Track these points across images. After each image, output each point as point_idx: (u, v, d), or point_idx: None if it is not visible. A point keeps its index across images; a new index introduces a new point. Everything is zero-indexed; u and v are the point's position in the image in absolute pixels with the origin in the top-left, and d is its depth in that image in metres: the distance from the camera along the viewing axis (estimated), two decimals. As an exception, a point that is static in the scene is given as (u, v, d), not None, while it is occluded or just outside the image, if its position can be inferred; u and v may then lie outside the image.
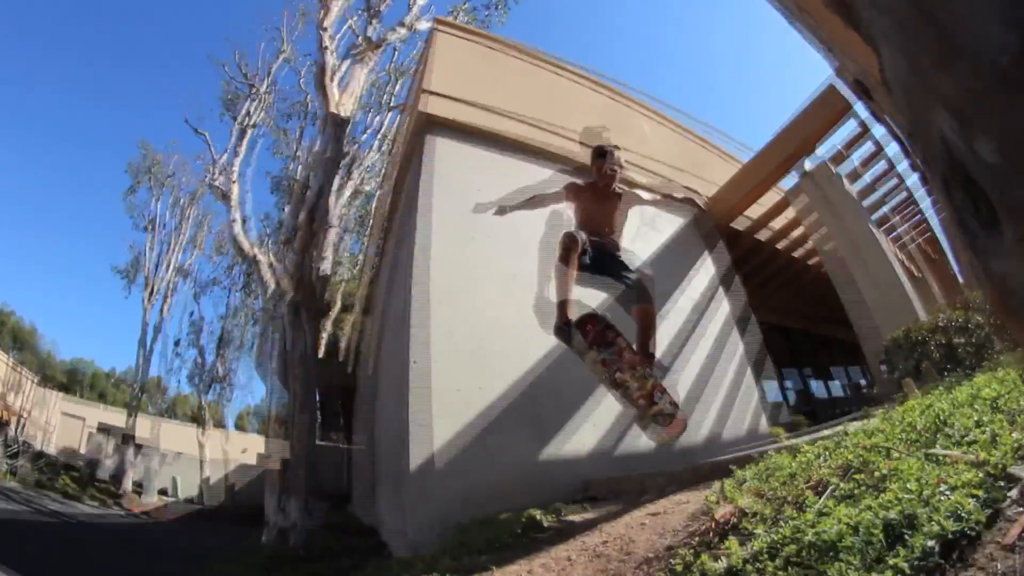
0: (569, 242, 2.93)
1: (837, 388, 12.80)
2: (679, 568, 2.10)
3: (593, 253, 3.04)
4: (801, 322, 10.92)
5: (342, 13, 11.21)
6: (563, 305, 2.91)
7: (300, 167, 15.96)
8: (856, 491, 1.97)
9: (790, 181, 7.03)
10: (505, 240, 5.01)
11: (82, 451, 27.90)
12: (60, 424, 31.70)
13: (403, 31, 11.49)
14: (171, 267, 24.84)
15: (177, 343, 25.22)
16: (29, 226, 77.88)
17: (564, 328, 2.90)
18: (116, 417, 32.91)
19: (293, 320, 6.90)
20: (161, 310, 24.64)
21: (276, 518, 6.31)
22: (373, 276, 9.90)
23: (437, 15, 11.57)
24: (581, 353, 2.97)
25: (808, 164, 6.60)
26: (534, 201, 3.57)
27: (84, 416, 32.65)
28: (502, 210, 3.63)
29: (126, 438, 24.30)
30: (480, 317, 4.67)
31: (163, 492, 24.18)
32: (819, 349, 12.05)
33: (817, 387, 12.64)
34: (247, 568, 6.26)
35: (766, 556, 1.80)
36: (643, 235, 6.35)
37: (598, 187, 3.29)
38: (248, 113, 15.20)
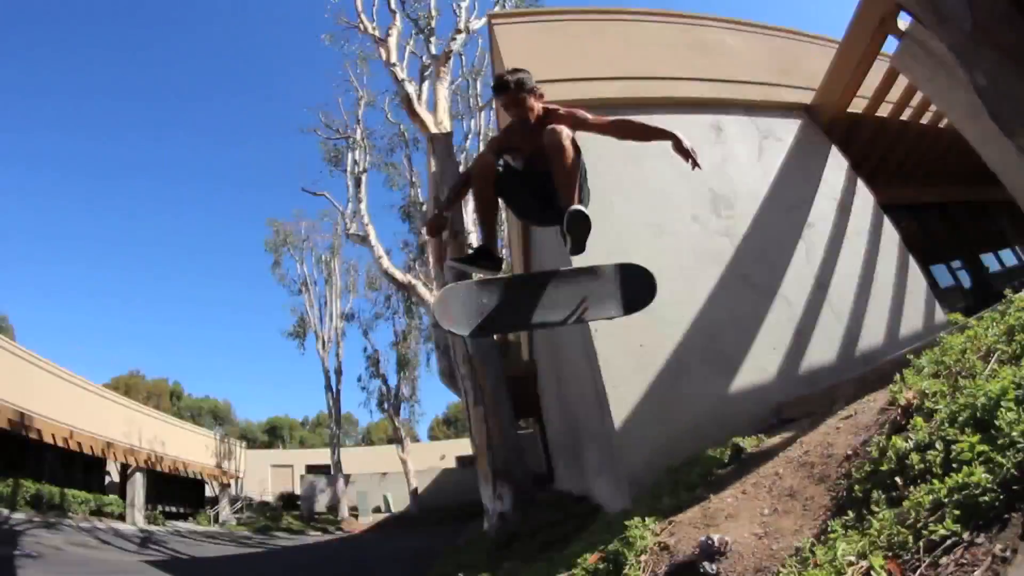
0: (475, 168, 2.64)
1: (1010, 258, 11.07)
2: (875, 454, 2.30)
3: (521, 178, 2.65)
4: (955, 193, 9.54)
5: (399, 43, 11.86)
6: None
7: (420, 190, 17.16)
8: (1019, 352, 2.16)
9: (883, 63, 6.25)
10: (644, 197, 5.19)
11: (297, 492, 31.57)
12: (272, 475, 36.50)
13: (461, 36, 11.88)
14: (333, 316, 27.33)
15: (359, 378, 27.53)
16: (202, 319, 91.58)
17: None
18: (320, 456, 36.91)
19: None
20: (336, 355, 27.00)
21: (493, 505, 6.93)
22: (525, 263, 10.29)
23: (488, 11, 11.82)
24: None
25: (903, 22, 5.78)
26: (464, 179, 2.99)
27: (291, 463, 37.12)
28: (446, 202, 3.45)
29: (333, 472, 27.42)
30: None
31: (377, 511, 26.83)
32: (981, 218, 10.45)
33: (990, 260, 11.04)
34: (477, 552, 6.77)
35: (947, 425, 1.97)
36: (765, 148, 6.08)
37: (521, 127, 2.63)
38: (355, 162, 16.61)
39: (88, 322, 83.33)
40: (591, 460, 5.98)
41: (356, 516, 25.36)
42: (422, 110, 9.29)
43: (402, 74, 10.66)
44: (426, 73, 11.58)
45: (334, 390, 26.55)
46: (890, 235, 5.84)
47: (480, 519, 10.65)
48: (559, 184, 2.40)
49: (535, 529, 6.01)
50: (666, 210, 5.25)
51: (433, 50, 12.31)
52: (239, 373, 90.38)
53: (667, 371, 4.49)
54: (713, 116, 6.05)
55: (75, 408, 19.98)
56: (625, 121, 2.66)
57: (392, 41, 11.44)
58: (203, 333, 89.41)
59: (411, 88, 10.03)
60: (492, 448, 6.80)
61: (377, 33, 11.74)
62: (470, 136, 17.05)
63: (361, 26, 12.17)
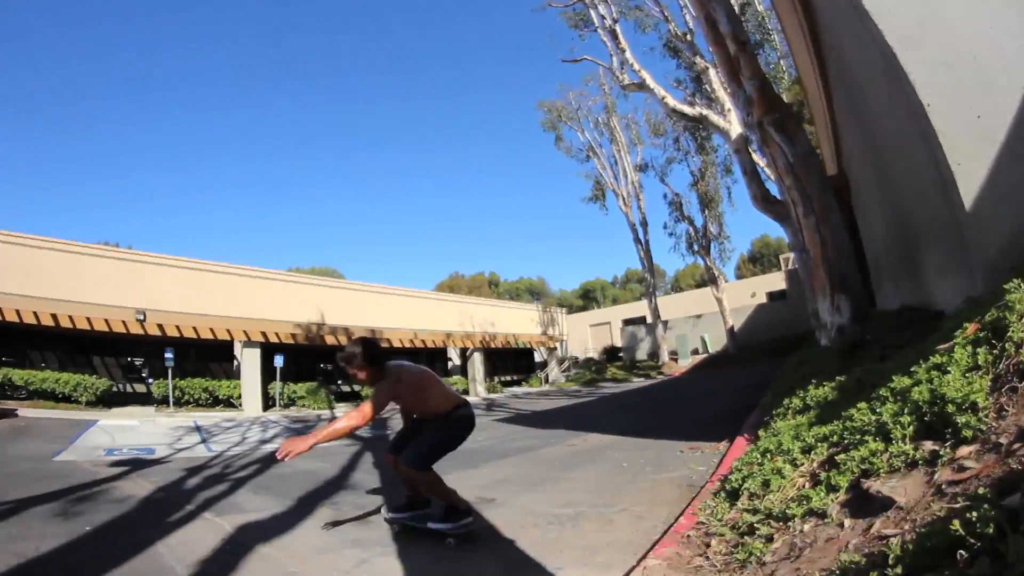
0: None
1: None
2: None
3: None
4: None
5: None
6: None
7: (675, 23, 15.96)
8: None
9: None
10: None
11: (618, 344, 34.46)
12: (591, 334, 40.14)
13: None
14: (627, 171, 27.65)
15: (665, 225, 27.73)
16: (504, 211, 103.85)
17: None
18: (634, 310, 39.67)
19: (780, 133, 6.76)
20: (639, 207, 27.44)
21: (832, 318, 6.64)
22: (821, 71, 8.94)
23: None
24: None
25: None
26: None
27: (608, 320, 40.32)
28: None
29: (651, 321, 28.63)
30: (967, 36, 3.80)
31: (695, 353, 27.57)
32: None
33: None
34: (819, 363, 6.42)
35: None
36: None
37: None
38: (602, 16, 16.08)
39: (406, 237, 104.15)
40: (931, 263, 5.27)
41: (675, 360, 26.53)
42: None
43: None
44: None
45: (643, 241, 27.14)
46: None
47: (797, 351, 10.21)
48: None
49: (876, 339, 5.69)
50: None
51: None
52: (547, 251, 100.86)
53: (1015, 136, 3.59)
54: None
55: (415, 314, 25.24)
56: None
57: None
58: (508, 224, 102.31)
59: None
60: (827, 259, 6.38)
61: None
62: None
63: None
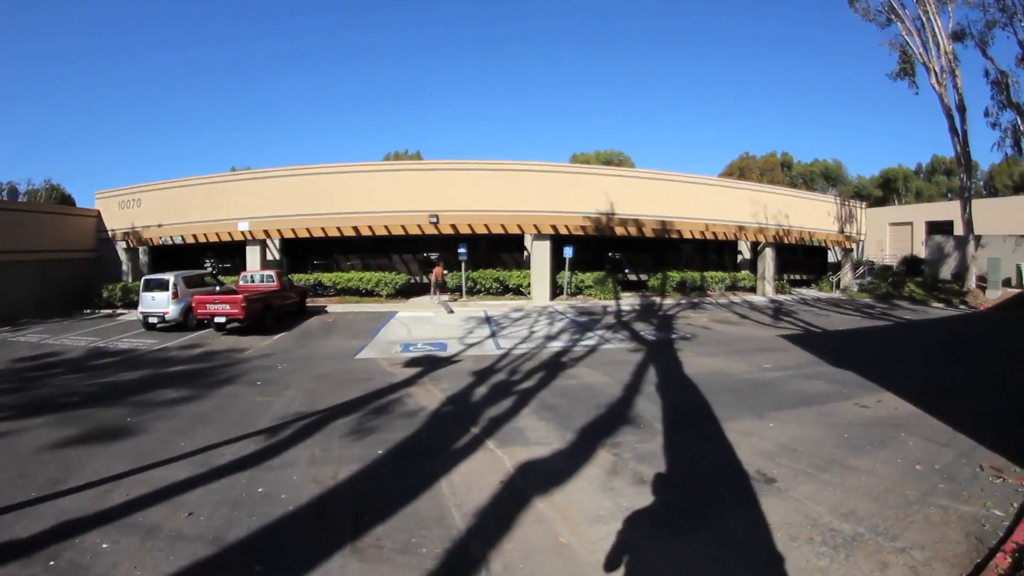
0: None
1: None
2: None
3: None
4: None
5: None
6: None
7: None
8: None
9: None
10: None
11: (920, 255, 29.46)
12: (889, 235, 34.81)
13: None
14: (940, 38, 21.42)
15: (987, 112, 21.72)
16: (791, 87, 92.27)
17: None
18: (940, 211, 33.03)
19: None
20: (955, 86, 21.44)
21: None
22: None
23: None
24: None
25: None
26: None
27: (910, 220, 34.28)
28: None
29: (963, 233, 23.13)
30: None
31: (1007, 283, 22.15)
32: None
33: None
34: None
35: None
36: None
37: None
38: None
39: (694, 118, 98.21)
40: None
41: (983, 287, 21.51)
42: None
43: None
44: None
45: (960, 132, 21.43)
46: None
47: None
48: None
49: None
50: None
51: None
52: (845, 129, 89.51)
53: None
54: None
55: (705, 203, 24.19)
56: None
57: None
58: (801, 98, 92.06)
59: None
60: None
61: None
62: None
63: None
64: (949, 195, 50.94)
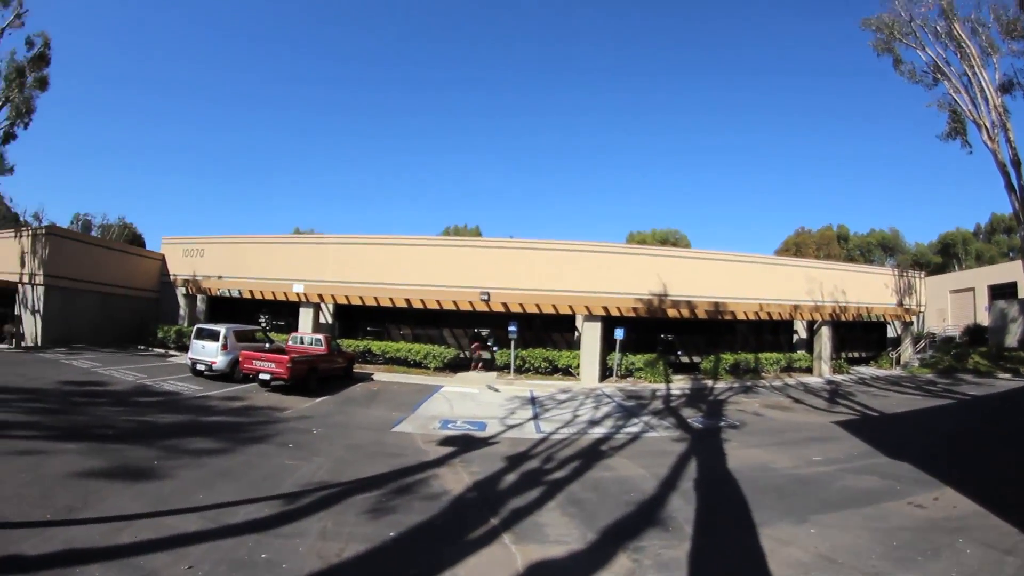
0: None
1: None
2: None
3: None
4: None
5: None
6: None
7: None
8: None
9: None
10: None
11: (982, 323, 27.93)
12: (951, 302, 33.13)
13: None
14: (986, 92, 20.94)
15: None
16: (844, 159, 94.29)
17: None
18: (1002, 273, 31.00)
19: None
20: (1007, 140, 20.87)
21: None
22: None
23: None
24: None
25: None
26: None
27: (971, 286, 32.50)
28: None
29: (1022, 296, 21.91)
30: None
31: None
32: None
33: None
34: None
35: None
36: None
37: None
38: None
39: (749, 194, 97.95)
40: None
41: None
42: None
43: None
44: None
45: (1016, 187, 20.79)
46: None
47: None
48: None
49: None
50: None
51: None
52: (901, 196, 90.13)
53: None
54: None
55: (760, 282, 23.83)
56: None
57: None
58: (854, 168, 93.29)
59: None
60: None
61: None
62: None
63: None
64: (1011, 254, 48.28)
